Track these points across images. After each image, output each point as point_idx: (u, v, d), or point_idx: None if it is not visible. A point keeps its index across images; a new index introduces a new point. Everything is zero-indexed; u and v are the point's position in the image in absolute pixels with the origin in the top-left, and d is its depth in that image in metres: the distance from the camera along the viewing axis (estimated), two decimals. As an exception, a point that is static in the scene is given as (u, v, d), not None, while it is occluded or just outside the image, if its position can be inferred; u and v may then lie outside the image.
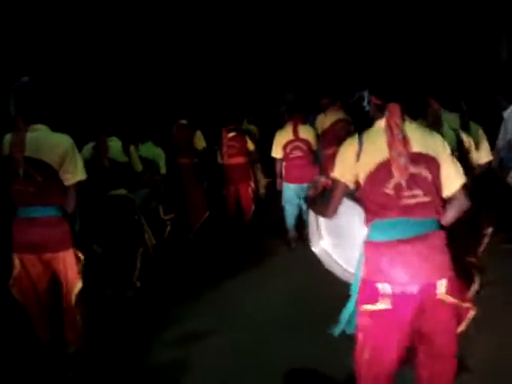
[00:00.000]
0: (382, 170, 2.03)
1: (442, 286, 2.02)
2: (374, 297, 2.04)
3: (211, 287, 4.43)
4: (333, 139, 5.65)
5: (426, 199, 2.04)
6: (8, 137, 2.75)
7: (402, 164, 1.99)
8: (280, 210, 5.76)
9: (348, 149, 2.14)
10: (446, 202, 2.12)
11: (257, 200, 6.99)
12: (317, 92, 7.58)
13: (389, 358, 2.08)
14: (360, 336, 2.12)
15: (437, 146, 2.10)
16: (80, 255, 2.90)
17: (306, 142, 5.43)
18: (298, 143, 5.40)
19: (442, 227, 2.10)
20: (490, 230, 3.62)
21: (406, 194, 2.02)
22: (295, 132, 5.40)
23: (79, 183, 2.82)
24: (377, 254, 2.07)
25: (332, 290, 3.68)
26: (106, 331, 3.58)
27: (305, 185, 5.41)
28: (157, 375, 3.05)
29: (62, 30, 6.95)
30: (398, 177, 2.00)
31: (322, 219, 2.66)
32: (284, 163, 5.52)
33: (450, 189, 2.10)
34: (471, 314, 2.18)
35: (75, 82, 6.32)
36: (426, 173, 2.03)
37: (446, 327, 2.09)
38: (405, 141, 2.01)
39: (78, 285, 2.86)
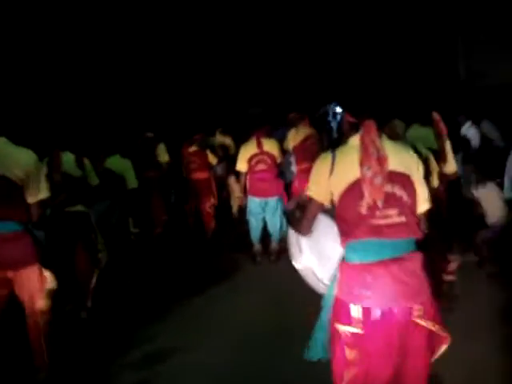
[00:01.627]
0: (355, 189, 1.96)
1: (418, 310, 1.95)
2: (347, 318, 1.97)
3: (176, 304, 4.31)
4: (305, 155, 5.76)
5: (401, 219, 1.96)
6: None
7: (377, 184, 1.91)
8: (245, 224, 5.74)
9: (321, 166, 2.08)
10: None
11: (225, 215, 6.95)
12: (283, 106, 7.65)
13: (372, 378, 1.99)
14: (337, 355, 2.03)
15: (412, 164, 2.05)
16: (47, 274, 2.77)
17: (270, 155, 5.44)
18: (262, 156, 5.41)
19: (418, 248, 2.04)
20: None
21: (380, 213, 1.94)
22: (259, 145, 5.40)
23: (43, 201, 2.73)
24: (351, 276, 2.00)
25: (299, 303, 3.69)
26: (66, 353, 3.40)
27: (269, 198, 5.44)
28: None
29: (21, 38, 6.76)
30: (369, 197, 1.92)
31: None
32: (248, 176, 5.51)
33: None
34: (444, 345, 2.08)
35: (33, 93, 6.14)
36: (400, 192, 1.97)
37: (420, 354, 2.01)
38: (382, 159, 1.94)
39: (41, 304, 2.73)
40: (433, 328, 1.98)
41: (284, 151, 5.88)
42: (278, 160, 5.54)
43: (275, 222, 5.53)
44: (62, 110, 5.28)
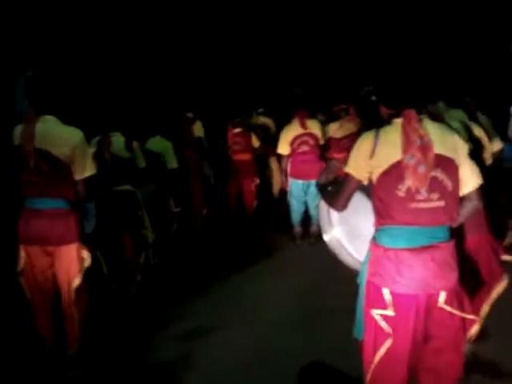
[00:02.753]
0: (395, 172, 1.93)
1: (442, 296, 1.97)
2: (379, 301, 1.99)
3: (216, 283, 4.39)
4: (339, 149, 5.56)
5: (441, 204, 1.94)
6: (19, 128, 2.72)
7: (421, 172, 1.89)
8: (286, 205, 5.73)
9: (363, 143, 2.04)
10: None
11: (265, 196, 6.97)
12: (323, 88, 7.52)
13: (398, 363, 2.01)
14: (368, 338, 2.06)
15: (455, 147, 2.00)
16: (85, 253, 2.84)
17: (313, 135, 5.37)
18: (305, 137, 5.33)
19: (453, 235, 2.03)
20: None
21: (420, 197, 1.92)
22: (303, 125, 5.32)
23: (89, 178, 2.78)
24: (382, 259, 2.00)
25: (338, 285, 3.68)
26: (110, 327, 3.54)
27: (312, 181, 5.39)
28: (161, 371, 3.01)
29: (69, 24, 6.92)
30: (412, 184, 1.90)
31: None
32: (291, 158, 5.46)
33: (463, 190, 2.03)
34: (476, 327, 2.17)
35: (82, 75, 6.28)
36: (442, 176, 1.94)
37: (452, 338, 2.03)
38: (426, 147, 1.91)
39: (76, 282, 2.79)
40: (458, 313, 2.00)
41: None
42: (321, 141, 5.46)
43: (316, 205, 5.49)
44: (112, 92, 5.38)
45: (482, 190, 2.08)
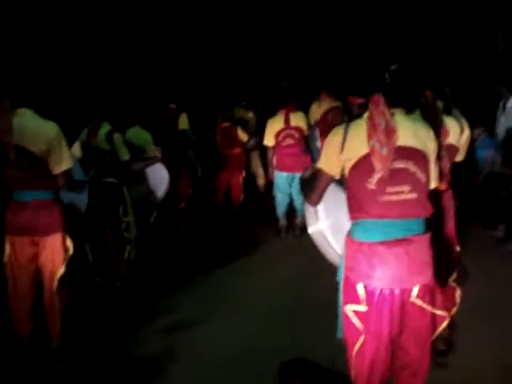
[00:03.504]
0: (364, 164, 1.92)
1: (415, 291, 1.96)
2: (353, 297, 1.99)
3: (201, 276, 4.39)
4: (327, 128, 5.65)
5: (413, 196, 1.94)
6: None
7: (383, 155, 1.88)
8: (271, 198, 5.75)
9: (333, 139, 2.04)
10: None
11: (250, 190, 6.99)
12: (310, 80, 7.51)
13: (375, 359, 2.01)
14: (346, 334, 2.07)
15: (427, 141, 2.01)
16: (69, 243, 2.88)
17: (297, 129, 5.39)
18: (289, 131, 5.36)
19: (428, 228, 2.02)
20: None
21: (391, 189, 1.91)
22: (286, 120, 5.35)
23: (68, 171, 2.79)
24: (356, 253, 1.99)
25: (322, 278, 3.70)
26: (94, 320, 3.55)
27: (296, 173, 5.41)
28: (145, 364, 3.02)
29: (54, 15, 6.80)
30: (379, 169, 1.88)
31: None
32: (276, 151, 5.48)
33: None
34: (444, 323, 2.12)
35: (65, 66, 6.20)
36: (414, 168, 1.93)
37: (420, 333, 2.03)
38: (389, 131, 1.90)
39: (60, 271, 2.84)
40: (429, 308, 2.00)
41: (310, 125, 5.83)
42: (306, 133, 5.49)
43: (301, 198, 5.51)
44: (98, 82, 5.30)
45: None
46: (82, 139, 4.01)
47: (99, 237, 4.06)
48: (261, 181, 7.48)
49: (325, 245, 2.63)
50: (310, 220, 2.70)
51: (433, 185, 2.07)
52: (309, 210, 2.69)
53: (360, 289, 1.97)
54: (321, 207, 2.65)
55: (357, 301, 1.98)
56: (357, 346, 2.01)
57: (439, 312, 2.06)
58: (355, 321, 1.99)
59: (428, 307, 1.99)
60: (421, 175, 1.95)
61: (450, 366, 2.83)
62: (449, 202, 2.82)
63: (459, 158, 2.84)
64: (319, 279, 3.97)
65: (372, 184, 1.91)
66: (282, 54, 9.81)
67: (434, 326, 2.08)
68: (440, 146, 2.53)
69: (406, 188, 1.92)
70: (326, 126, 5.74)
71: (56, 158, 2.71)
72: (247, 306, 3.78)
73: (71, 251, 2.90)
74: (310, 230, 2.69)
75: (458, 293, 2.91)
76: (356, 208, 1.99)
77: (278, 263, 4.73)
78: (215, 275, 4.45)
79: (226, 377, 2.85)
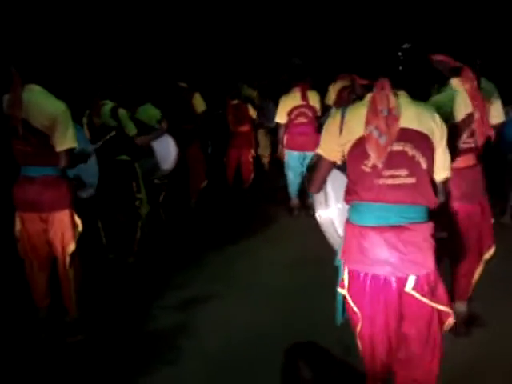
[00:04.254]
0: (359, 147, 1.85)
1: (411, 281, 1.86)
2: (343, 280, 1.96)
3: (212, 253, 4.42)
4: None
5: (411, 181, 1.84)
6: (6, 97, 2.72)
7: (381, 144, 1.79)
8: (279, 177, 5.72)
9: (331, 123, 1.98)
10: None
11: (258, 168, 6.99)
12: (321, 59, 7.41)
13: (375, 343, 1.98)
14: (350, 316, 2.04)
15: (432, 126, 1.87)
16: (77, 219, 2.90)
17: (312, 108, 5.33)
18: (304, 109, 5.30)
19: (429, 217, 1.92)
20: None
21: (386, 173, 1.83)
22: (304, 97, 5.27)
23: (71, 150, 2.77)
24: (349, 237, 1.95)
25: (333, 257, 3.69)
26: (107, 296, 3.59)
27: (308, 152, 5.37)
28: (156, 339, 3.06)
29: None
30: (373, 156, 1.81)
31: (330, 186, 2.52)
32: (287, 130, 5.43)
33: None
34: (450, 321, 1.97)
35: (72, 43, 6.15)
36: (413, 151, 1.83)
37: (420, 326, 1.93)
38: (392, 118, 1.80)
39: (71, 247, 2.86)
40: (428, 301, 1.88)
41: (325, 106, 5.76)
42: (319, 113, 5.42)
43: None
44: (102, 59, 5.27)
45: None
46: (84, 121, 3.98)
47: (112, 214, 4.07)
48: (265, 160, 7.51)
49: (330, 229, 2.61)
50: (319, 203, 2.66)
51: (442, 175, 1.95)
52: (317, 197, 2.65)
53: (346, 273, 1.94)
54: (330, 191, 2.61)
55: (348, 284, 1.95)
56: (358, 328, 1.98)
57: (441, 307, 1.92)
58: (352, 304, 1.96)
59: (426, 300, 1.88)
60: (421, 159, 1.84)
61: (471, 338, 2.85)
62: (480, 176, 2.79)
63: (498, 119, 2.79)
64: (331, 260, 3.96)
65: (368, 167, 1.85)
66: (290, 33, 9.65)
67: (439, 322, 1.96)
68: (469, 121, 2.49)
69: (402, 172, 1.83)
70: (341, 105, 5.69)
71: (60, 135, 2.70)
72: (258, 283, 3.80)
73: (80, 228, 2.91)
74: (317, 218, 2.65)
75: (479, 270, 2.89)
76: (350, 190, 1.94)
77: (290, 242, 4.73)
78: (227, 252, 4.47)
79: (237, 352, 2.87)
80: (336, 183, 2.26)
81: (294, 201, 5.67)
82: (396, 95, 1.86)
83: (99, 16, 7.28)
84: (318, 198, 2.61)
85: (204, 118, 5.87)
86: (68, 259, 2.88)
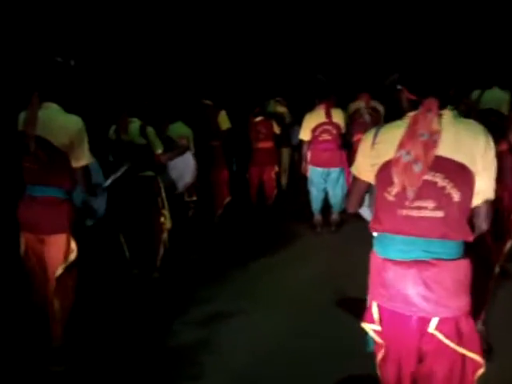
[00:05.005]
0: (386, 171, 1.71)
1: (434, 322, 1.71)
2: (368, 314, 1.87)
3: (236, 269, 4.42)
4: (357, 127, 5.86)
5: (437, 214, 1.66)
6: (23, 114, 2.72)
7: (416, 171, 1.63)
8: (306, 193, 5.73)
9: (364, 142, 1.86)
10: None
11: (279, 186, 7.01)
12: (343, 76, 7.43)
13: (394, 375, 1.87)
14: (374, 345, 1.95)
15: (474, 152, 1.65)
16: (73, 245, 2.79)
17: (336, 125, 5.35)
18: (328, 126, 5.32)
19: (462, 254, 1.73)
20: None
21: (410, 204, 1.68)
22: (328, 115, 5.30)
23: (86, 167, 2.76)
24: (373, 269, 1.84)
25: (359, 277, 3.65)
26: (130, 311, 3.62)
27: (332, 169, 5.37)
28: (180, 355, 3.06)
29: (81, 9, 6.90)
30: (399, 184, 1.66)
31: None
32: (311, 146, 5.45)
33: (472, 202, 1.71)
34: (480, 371, 1.76)
35: (96, 62, 6.29)
36: (444, 182, 1.65)
37: (442, 371, 1.76)
38: (430, 144, 1.63)
39: (57, 272, 2.73)
40: (453, 345, 1.71)
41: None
42: (343, 130, 5.44)
43: (336, 193, 5.48)
44: (129, 77, 5.39)
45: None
46: (111, 137, 4.05)
47: (136, 230, 4.11)
48: (283, 180, 7.59)
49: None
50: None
51: (482, 197, 1.70)
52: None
53: (374, 307, 1.83)
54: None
55: (371, 320, 1.85)
56: (379, 357, 1.90)
57: (470, 354, 1.73)
58: (374, 336, 1.86)
59: (449, 343, 1.71)
60: (452, 191, 1.65)
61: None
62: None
63: None
64: (355, 278, 3.92)
65: (391, 195, 1.71)
66: (314, 49, 9.73)
67: (465, 370, 1.76)
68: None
69: (429, 204, 1.67)
70: (355, 125, 6.00)
71: (77, 152, 2.68)
72: (282, 300, 3.78)
73: (75, 254, 2.78)
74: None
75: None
76: (375, 218, 1.81)
77: (314, 259, 4.70)
78: (250, 269, 4.47)
79: (261, 369, 2.85)
80: None
81: (317, 217, 5.66)
82: (440, 116, 1.68)
83: (126, 34, 7.44)
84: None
85: (228, 136, 5.96)
86: (54, 284, 2.74)
